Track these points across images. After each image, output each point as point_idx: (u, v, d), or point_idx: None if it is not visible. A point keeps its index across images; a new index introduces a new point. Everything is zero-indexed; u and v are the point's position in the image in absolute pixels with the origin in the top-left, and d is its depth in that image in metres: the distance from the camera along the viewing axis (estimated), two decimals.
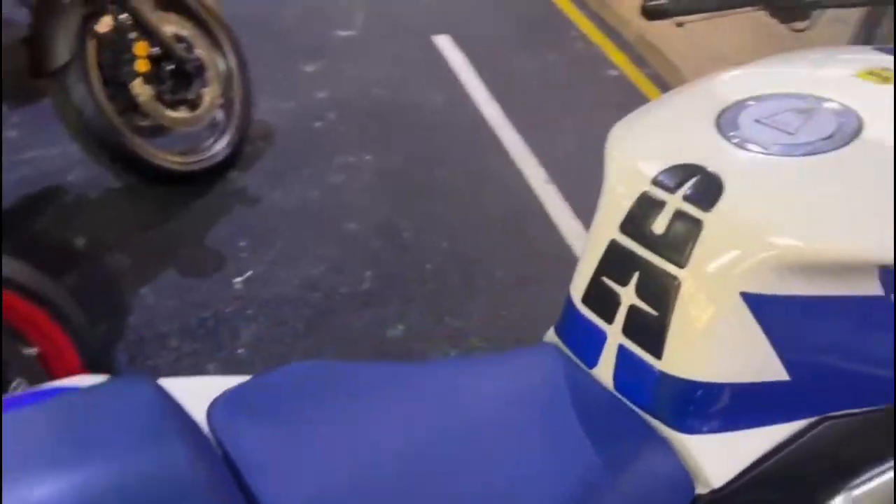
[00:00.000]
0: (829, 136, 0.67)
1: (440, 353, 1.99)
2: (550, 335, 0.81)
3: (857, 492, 0.74)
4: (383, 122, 2.97)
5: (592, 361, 0.74)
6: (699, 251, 0.64)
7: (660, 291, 0.67)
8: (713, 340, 0.65)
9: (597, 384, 0.73)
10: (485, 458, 0.66)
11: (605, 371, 0.73)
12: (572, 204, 2.55)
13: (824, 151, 0.66)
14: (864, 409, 0.70)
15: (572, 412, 0.72)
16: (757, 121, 0.71)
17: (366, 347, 2.00)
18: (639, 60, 3.40)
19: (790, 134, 0.69)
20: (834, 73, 0.79)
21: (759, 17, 1.13)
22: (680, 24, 1.03)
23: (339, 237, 2.38)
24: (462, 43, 3.51)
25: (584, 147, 2.88)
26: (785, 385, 0.66)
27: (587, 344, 0.75)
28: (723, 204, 0.64)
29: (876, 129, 0.67)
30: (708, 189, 0.65)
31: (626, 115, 0.81)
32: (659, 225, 0.67)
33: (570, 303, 0.77)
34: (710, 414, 0.67)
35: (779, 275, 0.62)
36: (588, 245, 0.75)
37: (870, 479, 0.75)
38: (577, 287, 0.76)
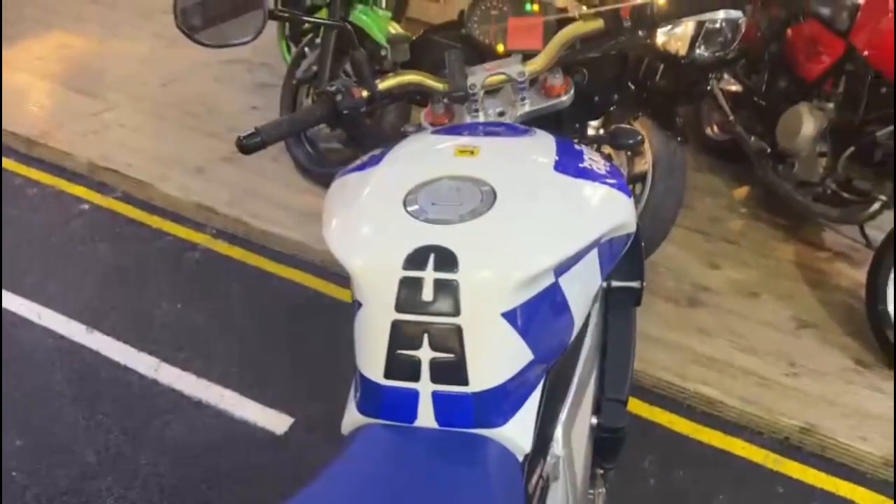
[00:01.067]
0: (483, 200, 0.94)
1: None
2: (355, 420, 0.91)
3: (563, 416, 1.08)
4: None
5: (412, 417, 0.87)
6: (465, 300, 0.86)
7: (449, 340, 0.85)
8: (496, 353, 0.87)
9: (426, 430, 0.89)
10: None
11: (427, 418, 0.87)
12: (114, 334, 2.49)
13: (487, 210, 0.93)
14: (562, 354, 1.03)
15: (425, 462, 0.86)
16: (433, 203, 0.95)
17: None
18: (101, 187, 3.32)
19: (460, 205, 0.94)
20: (442, 157, 1.07)
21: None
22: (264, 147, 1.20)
23: None
24: None
25: (108, 282, 2.79)
26: (533, 360, 0.92)
27: (402, 407, 0.87)
28: (463, 263, 0.87)
29: (503, 188, 0.96)
30: (447, 258, 0.88)
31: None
32: (427, 295, 0.87)
33: (370, 383, 0.89)
34: (508, 405, 0.89)
35: (514, 292, 0.89)
36: (368, 333, 0.89)
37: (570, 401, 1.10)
38: (374, 367, 0.88)
